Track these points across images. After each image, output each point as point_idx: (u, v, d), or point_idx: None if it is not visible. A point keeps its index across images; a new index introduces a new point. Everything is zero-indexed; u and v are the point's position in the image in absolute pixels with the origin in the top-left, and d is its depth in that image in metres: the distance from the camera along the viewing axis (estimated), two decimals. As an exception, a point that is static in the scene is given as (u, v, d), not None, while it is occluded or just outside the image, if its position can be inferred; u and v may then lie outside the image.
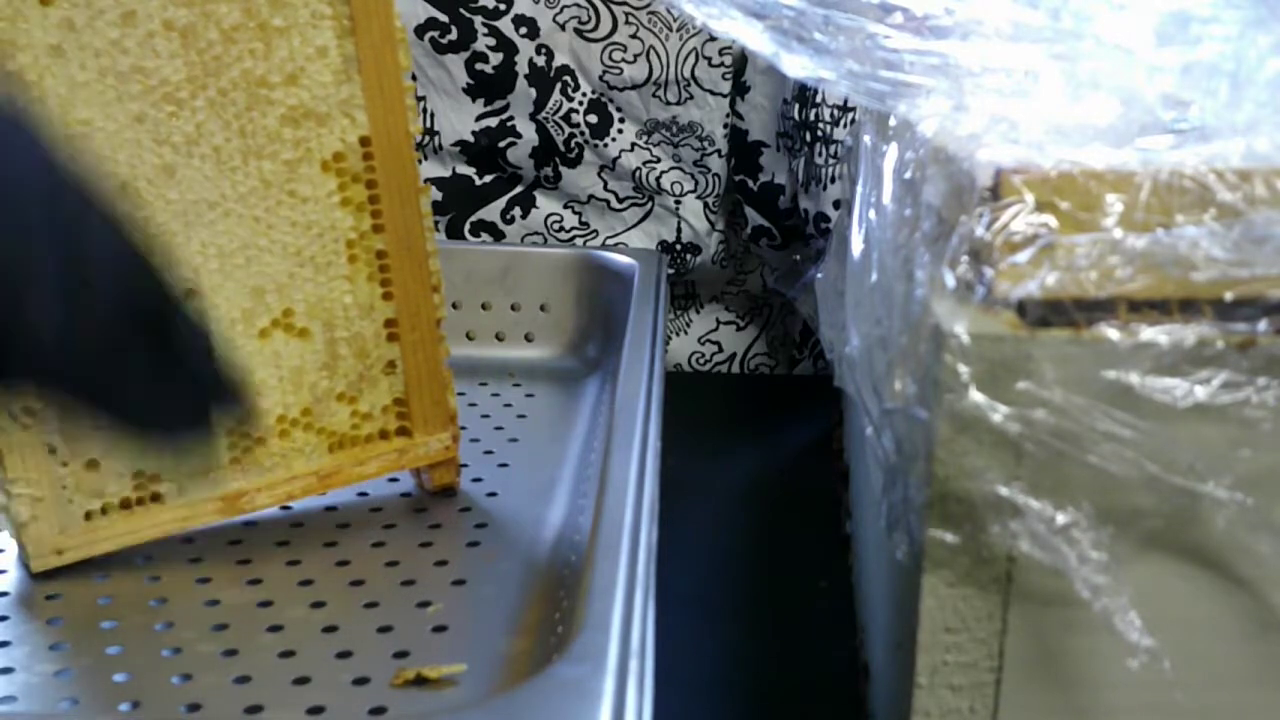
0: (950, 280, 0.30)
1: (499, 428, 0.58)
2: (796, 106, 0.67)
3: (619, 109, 0.70)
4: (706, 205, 0.73)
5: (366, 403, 0.47)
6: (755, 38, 0.36)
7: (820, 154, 0.66)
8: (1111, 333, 0.28)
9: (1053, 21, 0.35)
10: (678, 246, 0.73)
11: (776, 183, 0.70)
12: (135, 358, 0.30)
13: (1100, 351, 0.28)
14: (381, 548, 0.46)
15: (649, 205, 0.72)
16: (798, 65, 0.36)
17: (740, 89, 0.70)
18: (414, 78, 0.69)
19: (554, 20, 0.68)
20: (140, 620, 0.41)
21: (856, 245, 0.40)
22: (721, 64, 0.69)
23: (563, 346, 0.67)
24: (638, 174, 0.71)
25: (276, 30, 0.43)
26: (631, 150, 0.71)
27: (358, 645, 0.40)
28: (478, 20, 0.68)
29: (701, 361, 0.77)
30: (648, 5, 0.68)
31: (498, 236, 0.72)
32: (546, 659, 0.36)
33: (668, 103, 0.70)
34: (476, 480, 0.52)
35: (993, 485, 0.29)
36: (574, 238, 0.73)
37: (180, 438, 0.32)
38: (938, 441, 0.29)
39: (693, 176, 0.72)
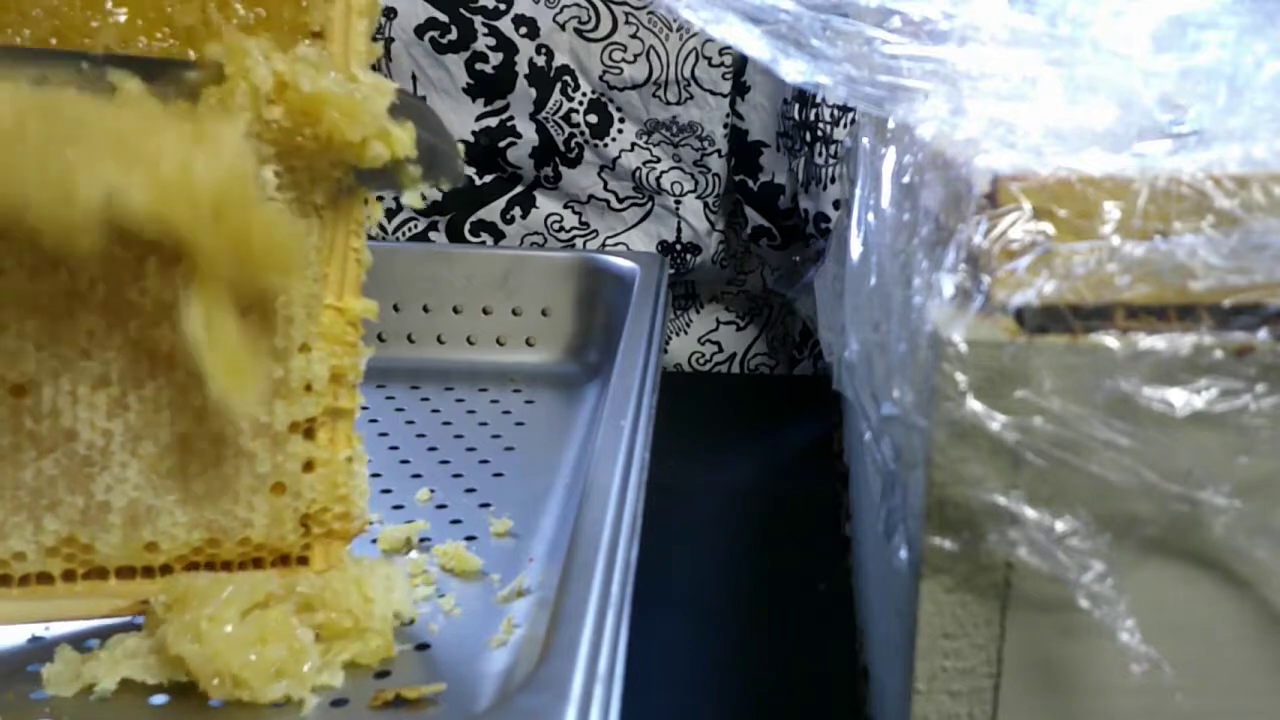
0: (948, 287, 0.30)
1: (496, 435, 0.58)
2: (796, 106, 0.67)
3: (619, 109, 0.70)
4: (706, 205, 0.73)
5: None
6: (753, 43, 0.36)
7: (820, 154, 0.66)
8: (1110, 340, 0.28)
9: (1050, 27, 0.35)
10: (678, 246, 0.73)
11: (776, 183, 0.70)
12: None
13: (1098, 359, 0.28)
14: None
15: (649, 205, 0.72)
16: (796, 70, 0.36)
17: (740, 89, 0.70)
18: (414, 79, 0.69)
19: (554, 20, 0.68)
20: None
21: (855, 248, 0.40)
22: (721, 64, 0.69)
23: (564, 351, 0.67)
24: (638, 174, 0.71)
25: None
26: (631, 150, 0.71)
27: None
28: (478, 20, 0.68)
29: (701, 361, 0.77)
30: (647, 5, 0.68)
31: (498, 237, 0.72)
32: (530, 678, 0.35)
33: (668, 103, 0.70)
34: (470, 491, 0.52)
35: (991, 493, 0.29)
36: (574, 238, 0.73)
37: None
38: (935, 449, 0.29)
39: (693, 176, 0.72)
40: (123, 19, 0.37)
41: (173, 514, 0.40)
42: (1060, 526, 0.29)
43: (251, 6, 0.38)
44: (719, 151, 0.71)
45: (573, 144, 0.71)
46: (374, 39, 0.69)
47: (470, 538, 0.48)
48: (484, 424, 0.60)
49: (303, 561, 0.41)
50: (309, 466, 0.41)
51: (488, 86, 0.69)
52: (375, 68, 0.70)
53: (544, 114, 0.70)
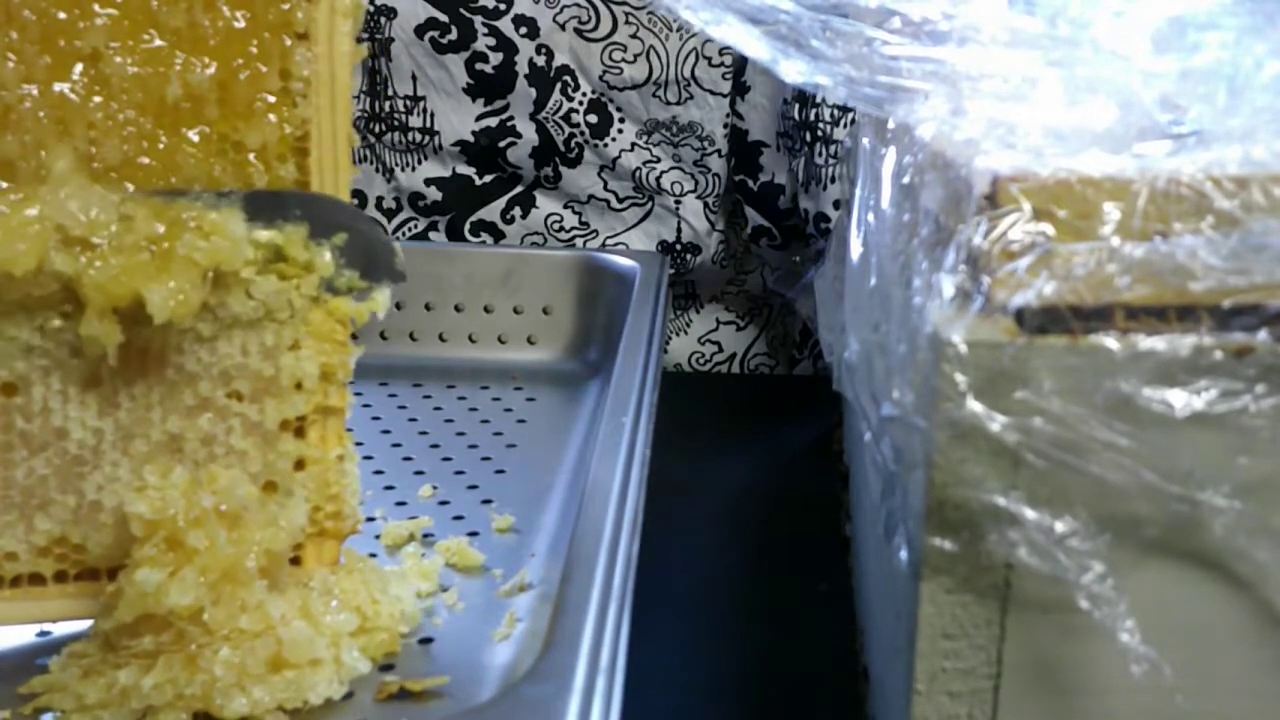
0: (948, 288, 0.30)
1: (498, 433, 0.58)
2: (796, 106, 0.67)
3: (619, 109, 0.70)
4: (706, 205, 0.73)
5: None
6: (753, 44, 0.36)
7: (820, 154, 0.66)
8: (1109, 341, 0.28)
9: (1050, 28, 0.35)
10: (678, 246, 0.73)
11: (776, 183, 0.70)
12: None
13: (1098, 360, 0.28)
14: (375, 556, 0.46)
15: (649, 205, 0.72)
16: (795, 71, 0.36)
17: (740, 89, 0.70)
18: (414, 79, 0.69)
19: (554, 20, 0.68)
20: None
21: (855, 249, 0.40)
22: (721, 64, 0.69)
23: (565, 349, 0.67)
24: (638, 174, 0.71)
25: None
26: (631, 150, 0.71)
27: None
28: (478, 20, 0.68)
29: (701, 361, 0.77)
30: (648, 5, 0.68)
31: (498, 237, 0.72)
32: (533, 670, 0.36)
33: (668, 103, 0.70)
34: (472, 488, 0.53)
35: (991, 494, 0.29)
36: (574, 238, 0.73)
37: None
38: (935, 450, 0.29)
39: (693, 176, 0.72)
40: (109, 20, 0.37)
41: None
42: (1060, 527, 0.29)
43: (237, 8, 0.38)
44: (719, 151, 0.71)
45: (573, 144, 0.71)
46: (372, 39, 0.69)
47: (473, 533, 0.48)
48: (486, 421, 0.60)
49: (295, 562, 0.41)
50: (300, 465, 0.41)
51: (488, 86, 0.69)
52: (373, 68, 0.70)
53: (544, 114, 0.70)
